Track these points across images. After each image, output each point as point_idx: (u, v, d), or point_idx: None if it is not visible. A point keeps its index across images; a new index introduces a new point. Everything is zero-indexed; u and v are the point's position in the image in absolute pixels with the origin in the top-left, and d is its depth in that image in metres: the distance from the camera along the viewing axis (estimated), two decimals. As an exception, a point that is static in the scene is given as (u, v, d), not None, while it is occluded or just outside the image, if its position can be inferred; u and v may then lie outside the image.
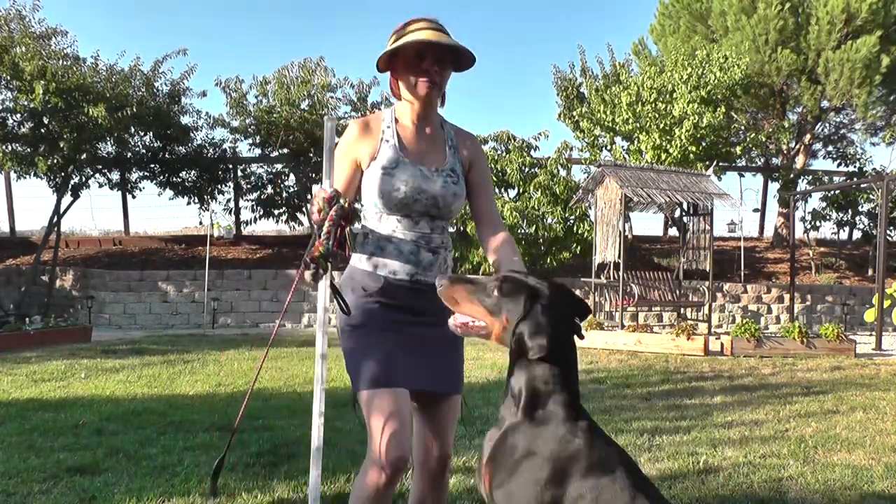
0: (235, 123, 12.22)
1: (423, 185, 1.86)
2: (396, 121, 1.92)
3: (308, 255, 1.71)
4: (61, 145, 10.20)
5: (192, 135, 12.28)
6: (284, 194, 13.05)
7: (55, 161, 10.37)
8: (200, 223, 13.80)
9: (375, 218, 1.89)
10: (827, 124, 15.62)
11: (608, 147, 13.31)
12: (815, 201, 14.57)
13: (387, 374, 1.78)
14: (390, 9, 41.38)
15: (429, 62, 1.82)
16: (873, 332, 9.57)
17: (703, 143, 12.11)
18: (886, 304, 9.31)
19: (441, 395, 1.92)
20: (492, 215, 2.01)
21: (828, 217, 14.29)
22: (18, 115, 10.46)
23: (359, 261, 1.90)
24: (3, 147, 10.33)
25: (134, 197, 13.28)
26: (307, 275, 1.72)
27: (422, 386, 1.86)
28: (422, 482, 1.96)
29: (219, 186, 13.20)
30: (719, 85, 12.19)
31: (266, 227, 14.71)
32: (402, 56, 1.84)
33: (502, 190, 12.00)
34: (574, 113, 13.66)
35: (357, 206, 1.77)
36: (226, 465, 3.36)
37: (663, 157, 11.97)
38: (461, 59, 1.89)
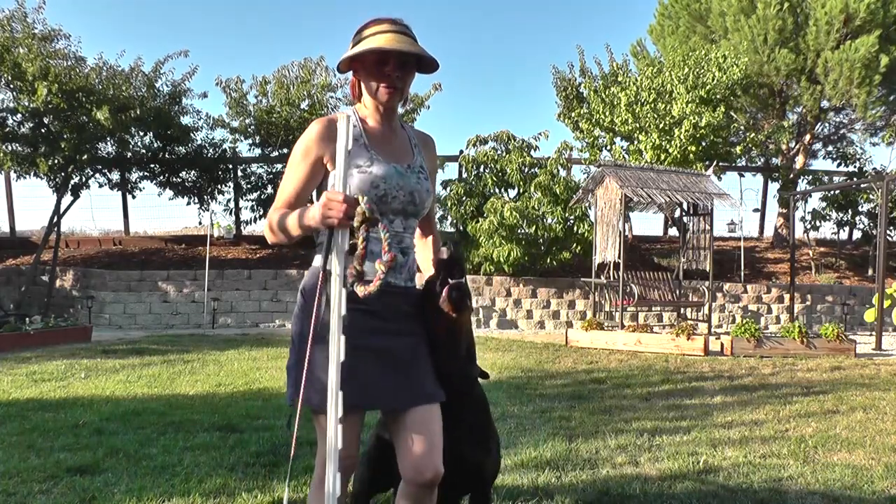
0: (235, 124, 12.23)
1: (399, 182, 1.83)
2: (363, 121, 1.88)
3: (345, 273, 1.63)
4: (62, 145, 10.20)
5: (192, 135, 12.28)
6: (284, 194, 13.04)
7: (55, 161, 10.38)
8: (200, 223, 13.81)
9: None
10: (827, 124, 15.62)
11: (608, 147, 13.32)
12: (815, 201, 14.59)
13: (355, 395, 1.69)
14: (390, 8, 41.37)
15: (391, 67, 1.78)
16: (873, 332, 9.57)
17: (703, 143, 12.12)
18: (886, 304, 9.31)
19: (424, 405, 1.82)
20: (433, 216, 2.11)
21: (828, 217, 14.29)
22: (19, 116, 10.47)
23: (324, 260, 1.74)
24: (4, 147, 10.34)
25: (134, 197, 13.31)
26: (332, 288, 1.65)
27: (403, 404, 1.78)
28: (413, 497, 1.83)
29: (219, 186, 13.21)
30: (718, 85, 12.20)
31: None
32: (364, 60, 1.80)
33: (502, 190, 12.00)
34: (573, 113, 13.67)
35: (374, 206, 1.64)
36: (225, 465, 3.36)
37: (663, 157, 11.98)
38: (424, 62, 1.85)
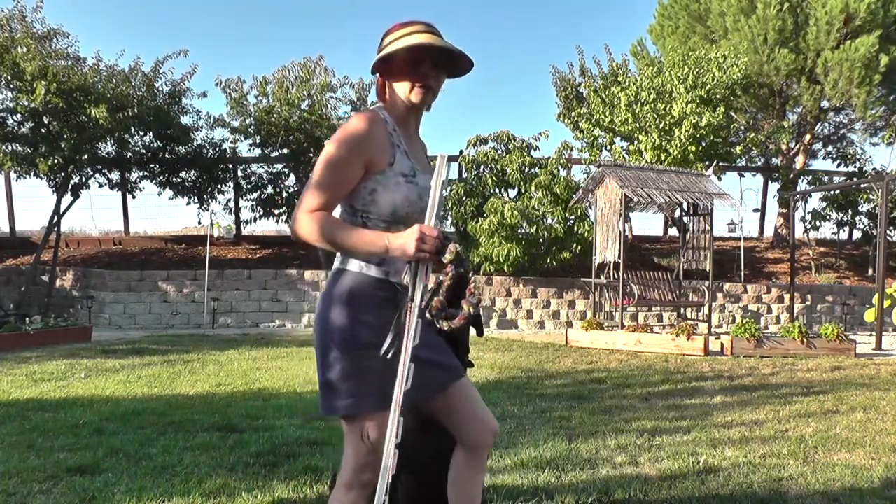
0: (235, 123, 12.23)
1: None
2: (395, 126, 1.84)
3: (427, 307, 1.66)
4: (61, 145, 10.21)
5: (192, 135, 12.28)
6: (284, 194, 13.05)
7: (55, 161, 10.38)
8: (200, 223, 13.81)
9: (382, 225, 1.76)
10: (827, 124, 15.62)
11: (608, 147, 13.32)
12: (815, 201, 14.60)
13: (411, 393, 1.71)
14: (389, 8, 41.40)
15: (426, 67, 1.76)
16: (873, 332, 9.57)
17: (703, 143, 12.12)
18: (886, 304, 9.31)
19: (462, 378, 1.91)
20: None
21: (828, 217, 14.29)
22: (19, 115, 10.47)
23: (366, 266, 1.75)
24: (4, 147, 10.34)
25: (134, 197, 13.30)
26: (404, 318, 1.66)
27: (447, 383, 1.84)
28: (477, 462, 1.90)
29: (219, 186, 13.21)
30: (718, 85, 12.19)
31: (266, 226, 14.76)
32: (397, 60, 1.76)
33: (502, 190, 12.01)
34: (573, 113, 13.67)
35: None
36: (225, 465, 3.36)
37: (663, 157, 11.98)
38: (458, 65, 1.83)
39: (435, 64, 1.77)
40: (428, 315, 1.65)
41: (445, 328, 1.66)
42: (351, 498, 1.74)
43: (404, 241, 1.60)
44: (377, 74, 1.83)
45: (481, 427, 1.86)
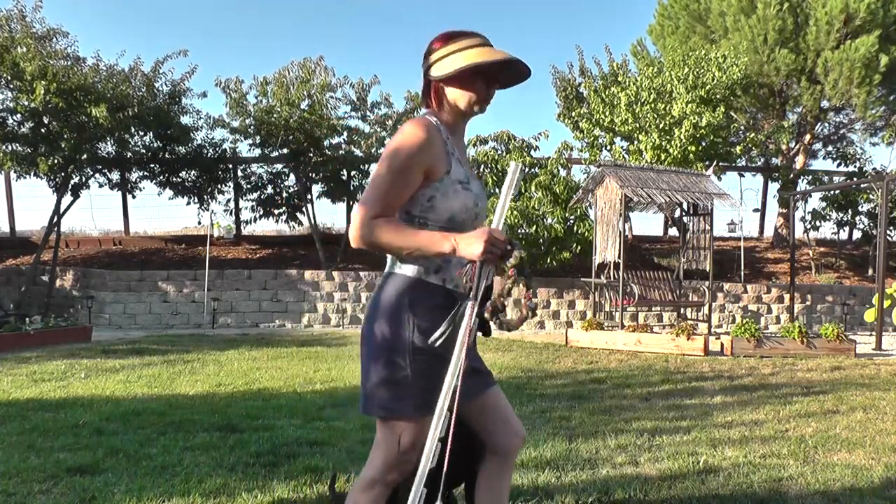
0: (235, 124, 12.23)
1: (484, 199, 1.90)
2: (448, 133, 1.86)
3: (485, 308, 1.71)
4: (61, 145, 10.21)
5: (192, 135, 12.28)
6: (284, 194, 13.05)
7: (55, 161, 10.38)
8: (200, 223, 13.80)
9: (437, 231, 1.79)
10: (827, 124, 15.62)
11: (608, 147, 13.32)
12: (815, 201, 14.59)
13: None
14: (390, 8, 41.41)
15: (490, 82, 1.82)
16: (873, 332, 9.57)
17: (703, 143, 12.12)
18: (886, 304, 9.31)
19: (494, 384, 2.00)
20: None
21: (828, 217, 14.29)
22: (19, 115, 10.47)
23: (424, 272, 1.78)
24: (4, 147, 10.34)
25: (134, 197, 13.29)
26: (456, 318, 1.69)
27: (483, 388, 1.94)
28: (506, 467, 1.98)
29: (219, 186, 13.20)
30: (718, 85, 12.19)
31: (266, 226, 14.75)
32: (463, 72, 1.79)
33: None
34: (573, 113, 13.67)
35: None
36: (225, 465, 3.36)
37: (663, 157, 11.97)
38: (516, 78, 1.87)
39: (495, 78, 1.84)
40: (486, 314, 1.71)
41: (504, 328, 1.76)
42: (373, 495, 1.78)
43: (473, 241, 1.63)
44: (431, 81, 1.83)
45: (511, 432, 1.94)
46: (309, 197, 12.82)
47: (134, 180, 12.83)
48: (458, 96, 1.81)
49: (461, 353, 1.65)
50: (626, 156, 12.87)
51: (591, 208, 11.05)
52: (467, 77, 1.78)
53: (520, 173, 1.69)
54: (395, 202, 1.71)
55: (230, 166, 13.34)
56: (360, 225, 1.67)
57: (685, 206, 10.40)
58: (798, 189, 13.78)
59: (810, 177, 14.87)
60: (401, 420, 1.75)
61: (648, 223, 22.90)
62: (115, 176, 12.68)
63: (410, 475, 1.80)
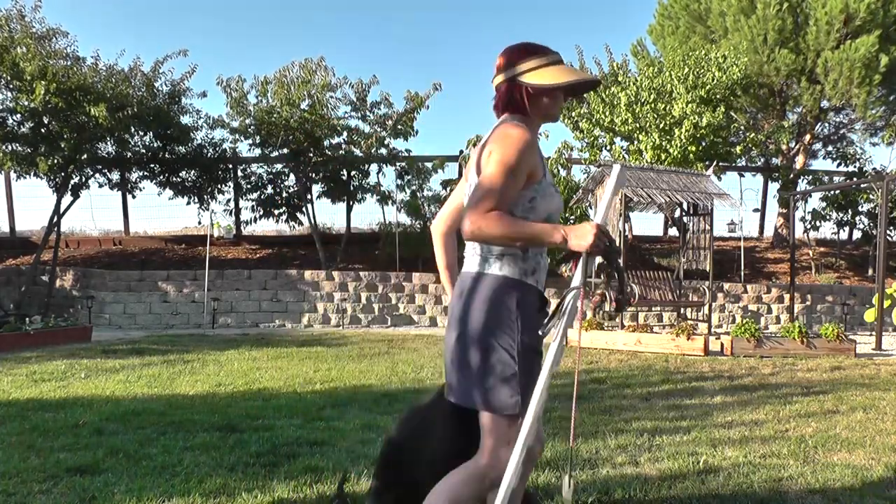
0: (235, 123, 12.23)
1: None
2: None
3: (590, 301, 1.87)
4: (61, 145, 10.20)
5: (192, 135, 12.28)
6: (284, 194, 13.05)
7: (55, 161, 10.38)
8: (200, 223, 13.80)
9: None
10: (827, 124, 15.62)
11: (608, 147, 13.32)
12: (815, 201, 14.59)
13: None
14: (391, 8, 41.40)
15: (567, 94, 2.03)
16: (873, 332, 9.57)
17: (703, 143, 12.12)
18: (886, 304, 9.31)
19: None
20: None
21: (828, 217, 14.29)
22: (19, 115, 10.47)
23: (523, 274, 1.91)
24: (4, 147, 10.34)
25: (134, 197, 13.29)
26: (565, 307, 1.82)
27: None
28: (525, 472, 2.08)
29: (219, 186, 13.20)
30: (718, 85, 12.20)
31: (266, 226, 14.74)
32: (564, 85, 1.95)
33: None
34: (573, 113, 13.67)
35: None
36: (225, 465, 3.36)
37: (663, 157, 11.98)
38: (577, 94, 2.11)
39: (573, 91, 2.04)
40: (591, 304, 1.87)
41: (606, 318, 1.92)
42: (480, 489, 1.86)
43: (584, 233, 1.73)
44: (523, 89, 1.94)
45: (536, 438, 2.01)
46: (309, 197, 12.82)
47: (134, 180, 12.82)
48: (549, 105, 1.96)
49: (562, 343, 1.77)
50: (626, 156, 12.87)
51: (591, 208, 11.05)
52: (558, 92, 1.95)
53: (621, 173, 1.84)
54: (506, 199, 1.79)
55: (230, 166, 13.33)
56: (476, 217, 1.74)
57: (685, 206, 10.40)
58: (798, 189, 13.78)
59: (810, 177, 14.88)
60: (515, 415, 1.84)
61: (648, 223, 22.94)
62: (115, 176, 12.68)
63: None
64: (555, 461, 3.45)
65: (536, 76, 1.90)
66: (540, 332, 1.83)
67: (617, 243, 1.80)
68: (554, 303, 1.81)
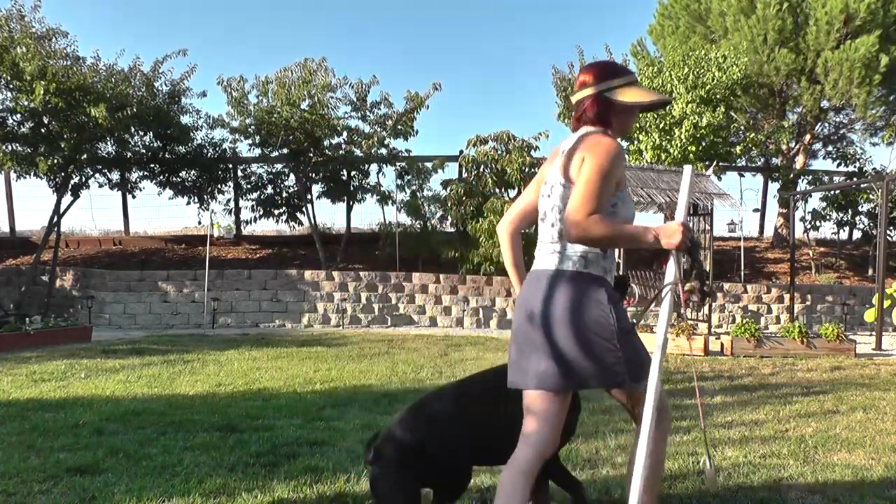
0: (235, 123, 12.23)
1: None
2: None
3: (681, 293, 2.02)
4: (61, 145, 10.20)
5: (192, 134, 12.28)
6: (284, 194, 13.05)
7: (55, 161, 10.38)
8: (200, 223, 13.81)
9: None
10: (827, 124, 15.62)
11: (608, 147, 13.30)
12: (815, 201, 14.58)
13: None
14: (391, 9, 41.41)
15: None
16: (873, 332, 9.57)
17: (703, 143, 12.12)
18: (886, 304, 9.30)
19: None
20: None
21: (828, 217, 14.28)
22: (18, 115, 10.47)
23: (604, 272, 2.12)
24: (3, 147, 10.34)
25: (134, 197, 13.30)
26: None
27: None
28: (663, 431, 2.26)
29: (219, 186, 13.20)
30: (718, 85, 12.19)
31: (266, 227, 14.74)
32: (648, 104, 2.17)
33: (502, 190, 12.00)
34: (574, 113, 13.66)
35: None
36: (225, 465, 3.36)
37: (663, 157, 11.98)
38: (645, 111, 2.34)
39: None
40: (682, 296, 2.01)
41: (700, 302, 2.09)
42: (538, 466, 2.04)
43: (672, 232, 1.91)
44: (612, 105, 2.13)
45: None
46: (309, 197, 12.82)
47: (134, 180, 12.83)
48: (628, 121, 2.18)
49: (666, 331, 1.98)
50: (625, 156, 12.85)
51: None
52: (637, 107, 2.16)
53: (693, 175, 2.03)
54: (603, 204, 1.95)
55: (230, 166, 13.34)
56: (580, 219, 1.90)
57: (685, 206, 10.39)
58: (798, 189, 13.78)
59: (810, 177, 14.87)
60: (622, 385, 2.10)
61: (648, 223, 22.88)
62: (115, 176, 12.69)
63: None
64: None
65: (625, 94, 2.10)
66: (633, 320, 2.03)
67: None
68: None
